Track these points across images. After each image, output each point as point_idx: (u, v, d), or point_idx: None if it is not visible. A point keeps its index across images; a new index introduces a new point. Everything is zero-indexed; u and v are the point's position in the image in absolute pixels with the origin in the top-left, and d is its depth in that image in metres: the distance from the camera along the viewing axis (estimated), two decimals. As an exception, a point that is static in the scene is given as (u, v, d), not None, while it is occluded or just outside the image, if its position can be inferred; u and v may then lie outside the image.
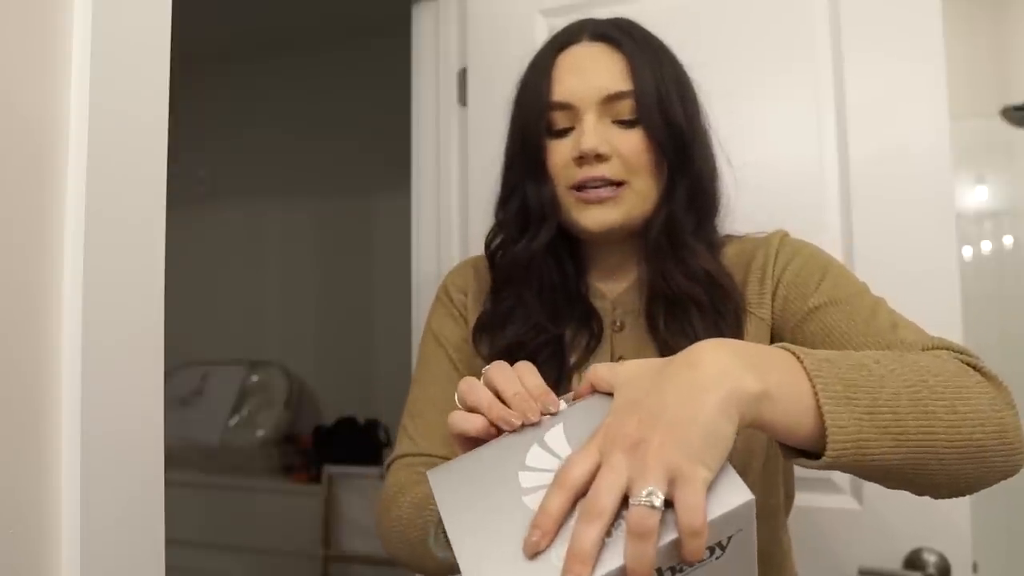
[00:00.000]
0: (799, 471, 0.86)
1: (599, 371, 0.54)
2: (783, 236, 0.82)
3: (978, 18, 2.00)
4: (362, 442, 2.48)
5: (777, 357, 0.53)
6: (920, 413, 0.53)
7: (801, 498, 0.92)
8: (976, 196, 2.07)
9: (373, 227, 2.80)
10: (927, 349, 0.63)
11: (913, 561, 1.03)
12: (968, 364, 0.60)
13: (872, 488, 1.06)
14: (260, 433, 2.61)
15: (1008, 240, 2.05)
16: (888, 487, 0.58)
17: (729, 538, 0.49)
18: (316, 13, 2.69)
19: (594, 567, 0.43)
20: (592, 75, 0.78)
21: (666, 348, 0.76)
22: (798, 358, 0.53)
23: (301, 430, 2.68)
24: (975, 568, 1.02)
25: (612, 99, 0.77)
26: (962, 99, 1.77)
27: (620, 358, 0.80)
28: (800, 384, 0.51)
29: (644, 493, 0.43)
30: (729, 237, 0.84)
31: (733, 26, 1.21)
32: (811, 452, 0.52)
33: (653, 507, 0.43)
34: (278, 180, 2.94)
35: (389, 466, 0.85)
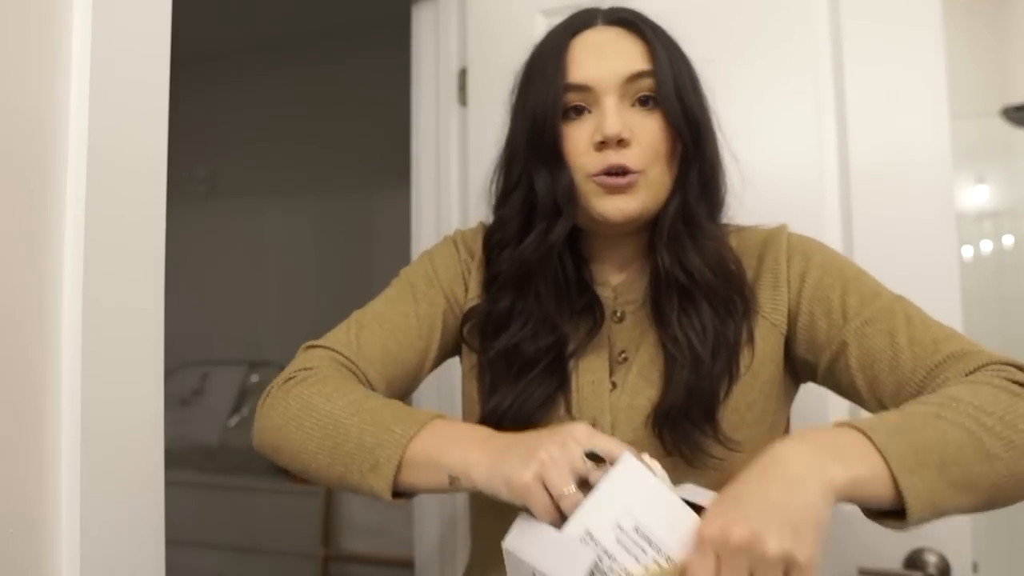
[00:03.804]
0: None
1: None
2: (789, 235, 0.81)
3: (978, 18, 2.00)
4: (362, 442, 2.48)
5: (850, 440, 0.58)
6: (982, 458, 0.58)
7: (801, 498, 0.91)
8: (976, 196, 2.07)
9: (373, 227, 2.80)
10: (976, 370, 0.66)
11: (913, 561, 1.03)
12: (1018, 383, 0.63)
13: (872, 488, 1.07)
14: (260, 433, 2.61)
15: (1008, 240, 2.05)
16: (965, 513, 0.63)
17: None
18: (316, 13, 2.69)
19: None
20: (612, 57, 0.76)
21: (668, 339, 0.74)
22: (868, 437, 0.58)
23: (301, 430, 2.68)
24: (975, 568, 1.02)
25: (632, 79, 0.75)
26: (962, 99, 1.77)
27: (622, 352, 0.79)
28: (875, 461, 0.57)
29: None
30: (728, 227, 0.83)
31: (733, 26, 1.21)
32: (895, 511, 0.58)
33: None
34: (278, 180, 2.94)
35: (308, 348, 0.79)
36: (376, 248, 2.76)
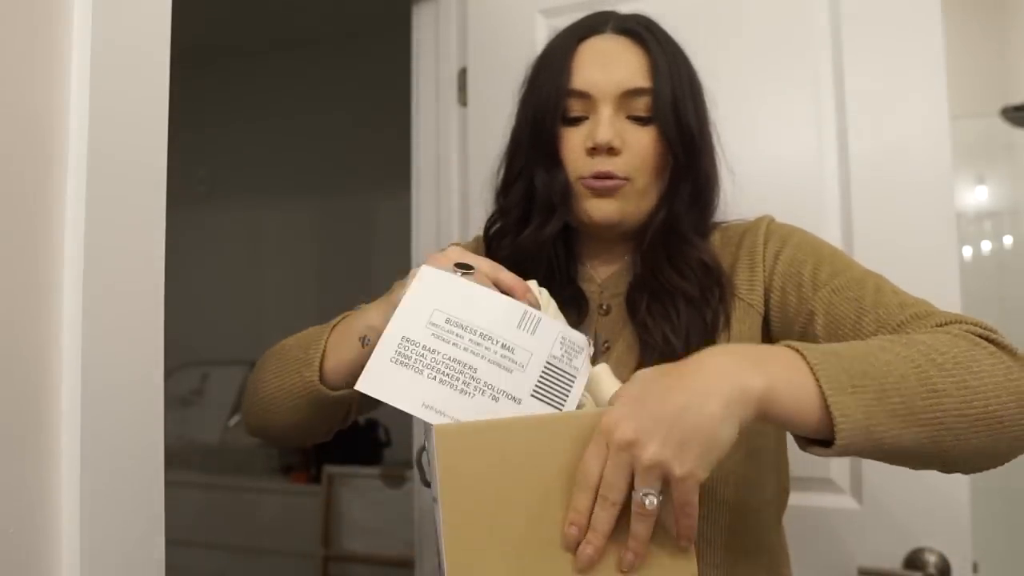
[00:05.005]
0: (796, 470, 0.86)
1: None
2: (770, 221, 0.82)
3: (978, 18, 2.00)
4: (362, 442, 2.48)
5: (780, 354, 0.56)
6: (928, 392, 0.55)
7: (801, 498, 0.91)
8: (976, 196, 2.07)
9: (373, 227, 2.80)
10: (940, 326, 0.63)
11: (913, 561, 1.03)
12: (981, 336, 0.60)
13: (872, 488, 1.06)
14: (260, 433, 2.61)
15: (1008, 240, 2.05)
16: (913, 467, 0.59)
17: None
18: (316, 13, 2.69)
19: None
20: (613, 68, 0.78)
21: (645, 331, 0.77)
22: (801, 354, 0.55)
23: (301, 430, 2.68)
24: (975, 568, 1.02)
25: (630, 95, 0.78)
26: (962, 99, 1.77)
27: (605, 343, 0.81)
28: (804, 378, 0.54)
29: (642, 492, 0.52)
30: (715, 224, 0.85)
31: (733, 26, 1.21)
32: (825, 440, 0.55)
33: (647, 507, 0.52)
34: (278, 180, 2.94)
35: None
36: (376, 248, 2.76)
